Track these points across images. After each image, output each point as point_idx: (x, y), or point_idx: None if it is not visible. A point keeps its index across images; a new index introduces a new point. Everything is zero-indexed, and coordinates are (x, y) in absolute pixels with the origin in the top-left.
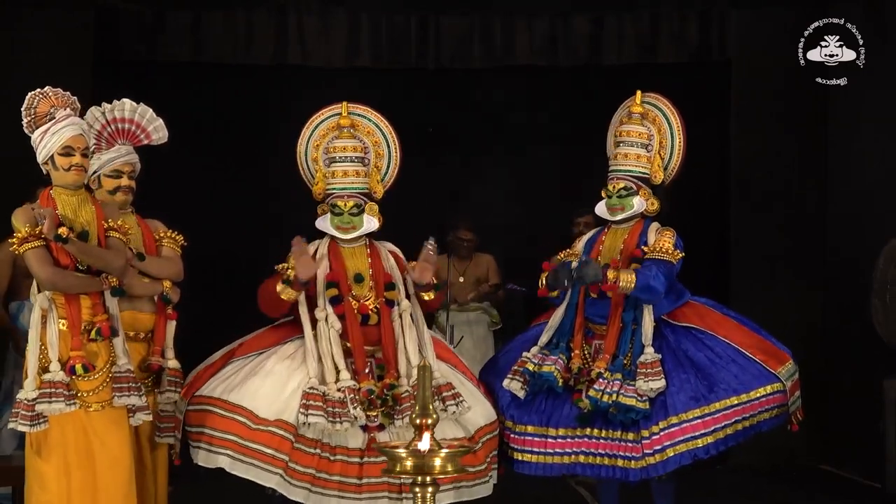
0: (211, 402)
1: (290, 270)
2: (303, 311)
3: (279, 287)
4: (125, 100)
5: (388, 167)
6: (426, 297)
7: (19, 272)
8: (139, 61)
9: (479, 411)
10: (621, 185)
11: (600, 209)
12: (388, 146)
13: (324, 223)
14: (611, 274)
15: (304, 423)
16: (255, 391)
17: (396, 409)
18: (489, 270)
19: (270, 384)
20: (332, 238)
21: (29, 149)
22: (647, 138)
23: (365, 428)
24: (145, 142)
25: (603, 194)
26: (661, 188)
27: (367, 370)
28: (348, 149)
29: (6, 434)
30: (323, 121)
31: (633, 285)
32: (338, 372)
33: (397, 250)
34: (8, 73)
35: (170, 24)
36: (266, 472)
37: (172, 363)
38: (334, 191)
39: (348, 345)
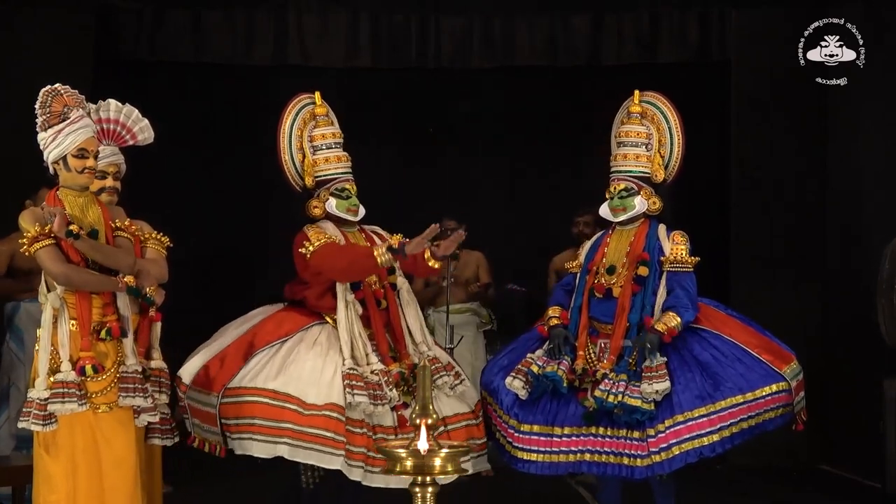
0: (256, 392)
1: (395, 238)
2: (341, 290)
3: (383, 257)
4: (110, 100)
5: None
6: (431, 264)
7: (17, 273)
8: (139, 61)
9: (473, 388)
10: (622, 186)
11: (604, 211)
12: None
13: (333, 208)
14: (666, 335)
15: (351, 403)
16: (297, 378)
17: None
18: (479, 268)
19: (310, 370)
20: (337, 223)
21: (29, 148)
22: (646, 137)
23: (393, 407)
24: (131, 142)
25: (606, 195)
26: (662, 187)
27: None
28: (336, 135)
29: (4, 434)
30: (298, 112)
31: (680, 326)
32: (366, 355)
33: (381, 230)
34: (8, 73)
35: (170, 24)
36: (329, 455)
37: (156, 364)
38: (338, 175)
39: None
